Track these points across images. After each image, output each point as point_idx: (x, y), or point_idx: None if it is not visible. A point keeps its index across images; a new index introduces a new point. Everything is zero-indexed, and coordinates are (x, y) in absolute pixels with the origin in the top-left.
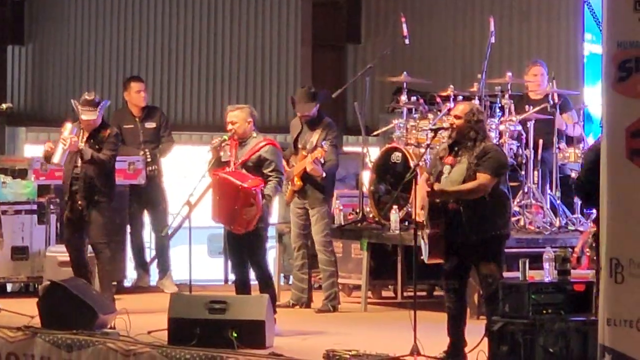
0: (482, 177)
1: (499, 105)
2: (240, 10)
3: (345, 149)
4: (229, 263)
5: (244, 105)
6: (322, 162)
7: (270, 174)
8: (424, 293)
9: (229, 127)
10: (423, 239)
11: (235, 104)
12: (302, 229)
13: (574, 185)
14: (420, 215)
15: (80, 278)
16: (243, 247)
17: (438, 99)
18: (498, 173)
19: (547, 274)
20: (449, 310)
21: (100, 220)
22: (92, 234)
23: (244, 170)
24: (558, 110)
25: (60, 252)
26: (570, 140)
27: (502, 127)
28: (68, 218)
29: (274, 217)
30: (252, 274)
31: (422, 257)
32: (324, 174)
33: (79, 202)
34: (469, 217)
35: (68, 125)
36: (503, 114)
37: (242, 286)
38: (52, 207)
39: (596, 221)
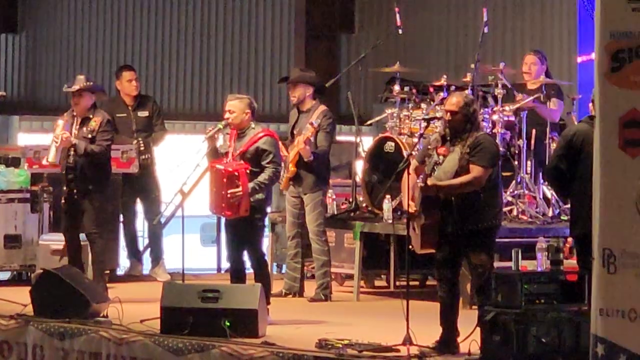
0: (477, 170)
1: (492, 95)
2: None
3: (339, 138)
4: (222, 252)
5: (245, 95)
6: (314, 145)
7: (267, 165)
8: (416, 282)
9: (226, 115)
10: (414, 229)
11: (235, 94)
12: (296, 217)
13: (544, 172)
14: (411, 206)
15: (75, 266)
16: (240, 236)
17: (431, 89)
18: (492, 164)
19: (539, 264)
20: (442, 300)
21: (93, 210)
22: (85, 224)
23: (242, 162)
24: (550, 100)
25: (53, 241)
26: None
27: (495, 117)
28: (64, 207)
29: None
30: (247, 263)
31: (411, 247)
32: (312, 157)
33: (74, 191)
34: (460, 207)
35: (60, 122)
36: (496, 104)
37: (237, 275)
38: (45, 195)
39: (571, 211)
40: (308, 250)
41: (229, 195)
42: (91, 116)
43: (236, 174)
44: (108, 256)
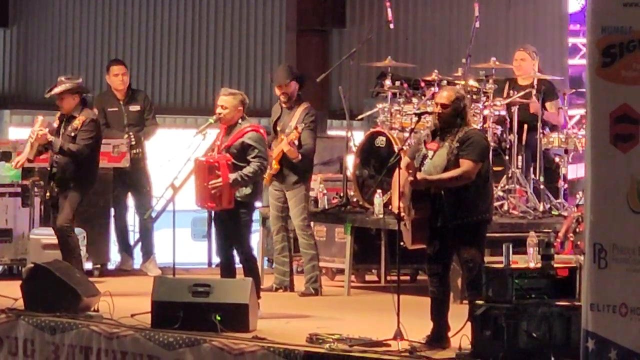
0: (466, 164)
1: (484, 89)
2: None
3: (330, 133)
4: (213, 246)
5: (237, 91)
6: (298, 144)
7: (253, 159)
8: (407, 277)
9: (218, 110)
10: (405, 224)
11: (228, 88)
12: (280, 211)
13: None
14: (401, 208)
15: (69, 261)
16: (227, 230)
17: (422, 84)
18: (482, 158)
19: (530, 258)
20: (432, 295)
21: (67, 206)
22: (58, 218)
23: (226, 155)
24: (542, 95)
25: (44, 235)
26: (554, 126)
27: (486, 112)
28: (48, 202)
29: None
30: (237, 257)
31: (402, 243)
32: (300, 157)
33: (55, 188)
34: (450, 202)
35: (39, 119)
36: (487, 99)
37: (227, 269)
38: (36, 189)
39: None
40: (297, 244)
41: (209, 186)
42: (77, 115)
43: (216, 164)
44: (96, 249)
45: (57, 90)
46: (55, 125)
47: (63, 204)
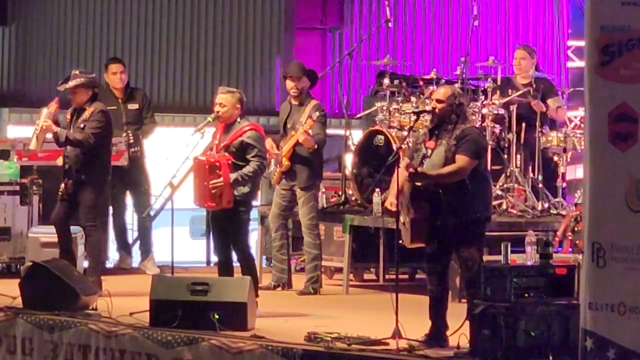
0: (461, 160)
1: (482, 88)
2: None
3: (328, 131)
4: (212, 245)
5: (236, 89)
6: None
7: (252, 159)
8: (405, 276)
9: (216, 108)
10: (404, 223)
11: (226, 87)
12: (282, 209)
13: None
14: (393, 204)
15: (66, 258)
16: (225, 229)
17: (421, 82)
18: (477, 155)
19: (529, 257)
20: (431, 293)
21: (87, 202)
22: (80, 216)
23: (226, 154)
24: (540, 94)
25: (43, 233)
26: (554, 124)
27: (484, 111)
28: (60, 196)
29: (257, 200)
30: (234, 256)
31: (401, 242)
32: (315, 145)
33: (70, 182)
34: (449, 201)
35: (44, 111)
36: (486, 98)
37: (225, 268)
38: (34, 188)
39: None
40: (295, 242)
41: (210, 186)
42: (87, 107)
43: (217, 164)
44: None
45: (71, 84)
46: (68, 117)
47: (81, 201)
